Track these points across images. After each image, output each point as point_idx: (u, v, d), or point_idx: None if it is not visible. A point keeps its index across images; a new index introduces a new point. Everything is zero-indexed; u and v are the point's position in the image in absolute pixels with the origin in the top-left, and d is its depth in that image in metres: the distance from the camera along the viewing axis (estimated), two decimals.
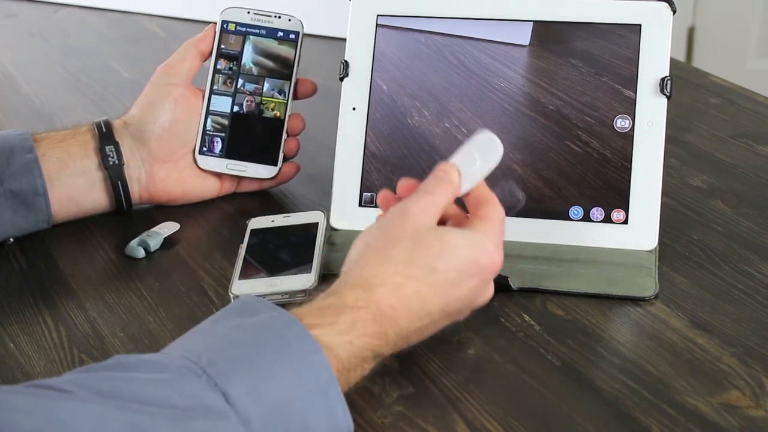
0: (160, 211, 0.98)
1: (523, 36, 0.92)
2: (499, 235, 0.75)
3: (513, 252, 0.87)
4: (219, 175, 1.00)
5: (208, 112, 0.99)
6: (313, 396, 0.63)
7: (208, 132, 0.99)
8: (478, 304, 0.76)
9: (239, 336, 0.65)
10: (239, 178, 1.00)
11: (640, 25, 0.89)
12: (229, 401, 0.60)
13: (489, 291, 0.77)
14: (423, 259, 0.71)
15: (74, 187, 0.94)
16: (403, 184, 0.76)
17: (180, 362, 0.62)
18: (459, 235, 0.73)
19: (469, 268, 0.72)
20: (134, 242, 0.92)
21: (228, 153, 0.99)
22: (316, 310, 0.68)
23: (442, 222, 0.75)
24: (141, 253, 0.91)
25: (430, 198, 0.74)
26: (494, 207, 0.76)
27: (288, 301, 0.81)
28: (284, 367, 0.63)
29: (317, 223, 0.89)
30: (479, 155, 0.77)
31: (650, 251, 0.87)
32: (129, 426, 0.56)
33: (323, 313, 0.68)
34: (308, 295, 0.81)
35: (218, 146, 0.99)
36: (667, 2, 0.89)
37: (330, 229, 0.91)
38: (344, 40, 0.95)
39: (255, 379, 0.62)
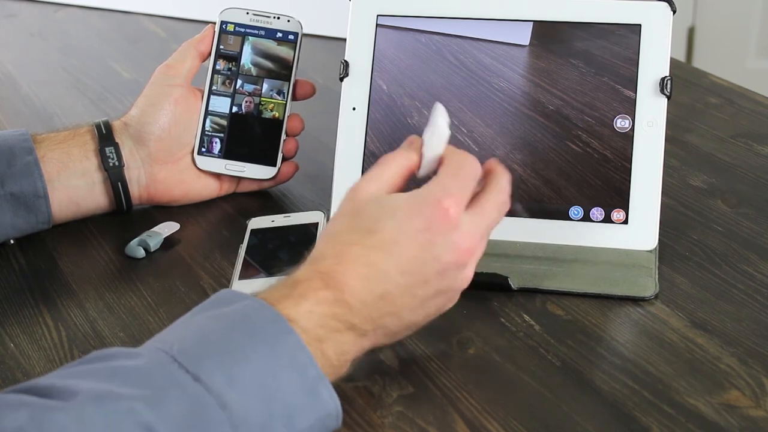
0: (160, 211, 0.98)
1: (523, 36, 0.92)
2: (452, 180, 0.71)
3: (513, 252, 0.87)
4: (218, 176, 1.00)
5: (206, 113, 0.99)
6: (291, 375, 0.63)
7: (206, 132, 0.99)
8: (448, 263, 0.70)
9: (212, 324, 0.65)
10: (238, 179, 1.00)
11: (640, 25, 0.89)
12: (203, 386, 0.60)
13: (458, 246, 0.70)
14: (361, 225, 0.70)
15: (74, 189, 0.94)
16: None
17: (153, 352, 0.63)
18: (400, 197, 0.71)
19: (413, 221, 0.69)
20: (134, 242, 0.92)
21: (227, 153, 0.99)
22: (269, 289, 0.69)
23: None
24: (141, 253, 0.91)
25: (377, 169, 0.73)
26: (454, 155, 0.73)
27: None
28: (257, 349, 0.63)
29: (317, 223, 0.89)
30: (443, 120, 0.75)
31: (650, 251, 0.87)
32: (111, 415, 0.57)
33: (277, 290, 0.68)
34: None
35: (217, 147, 0.99)
36: (667, 2, 0.89)
37: None
38: (344, 40, 0.95)
39: (228, 363, 0.62)
